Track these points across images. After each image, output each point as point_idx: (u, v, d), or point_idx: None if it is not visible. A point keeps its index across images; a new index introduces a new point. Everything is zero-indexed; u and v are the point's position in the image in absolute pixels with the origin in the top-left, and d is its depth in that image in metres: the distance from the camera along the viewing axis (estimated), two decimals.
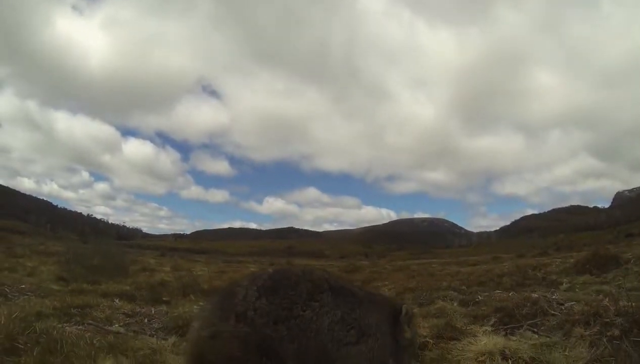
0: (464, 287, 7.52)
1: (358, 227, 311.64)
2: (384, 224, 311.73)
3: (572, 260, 9.33)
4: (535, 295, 5.61)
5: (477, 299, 6.01)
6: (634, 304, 3.55)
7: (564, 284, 7.05)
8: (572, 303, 4.63)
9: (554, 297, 5.67)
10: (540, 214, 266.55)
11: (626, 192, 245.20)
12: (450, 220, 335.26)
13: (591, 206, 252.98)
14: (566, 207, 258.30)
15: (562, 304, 4.71)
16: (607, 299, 4.06)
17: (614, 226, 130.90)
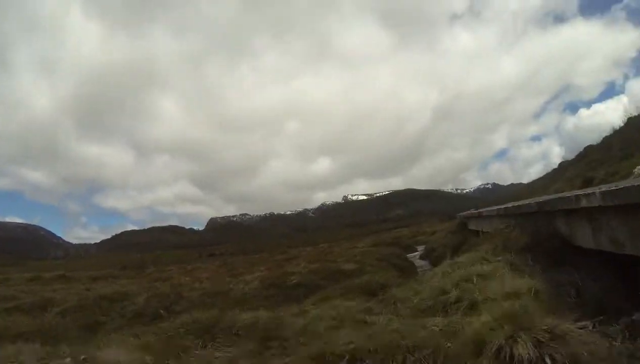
0: None
1: None
2: None
3: None
4: None
5: None
6: None
7: None
8: None
9: None
10: (140, 230, 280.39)
11: (218, 218, 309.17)
12: (47, 228, 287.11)
13: (187, 227, 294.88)
14: (165, 227, 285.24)
15: None
16: None
17: (205, 246, 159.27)
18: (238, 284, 12.07)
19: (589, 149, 28.49)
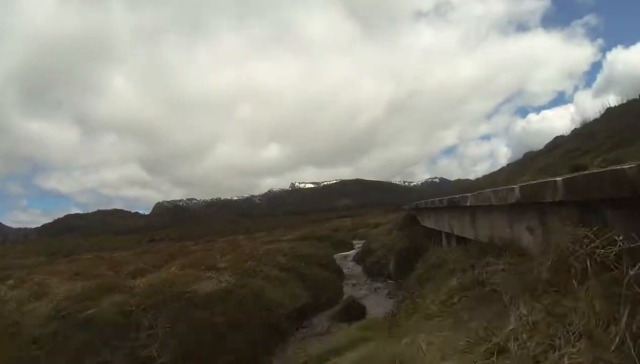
0: None
1: None
2: None
3: None
4: None
5: None
6: None
7: None
8: None
9: None
10: (84, 214, 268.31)
11: (164, 203, 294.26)
12: None
13: (133, 211, 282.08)
14: (110, 210, 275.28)
15: None
16: None
17: (150, 231, 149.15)
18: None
19: (560, 140, 25.20)
